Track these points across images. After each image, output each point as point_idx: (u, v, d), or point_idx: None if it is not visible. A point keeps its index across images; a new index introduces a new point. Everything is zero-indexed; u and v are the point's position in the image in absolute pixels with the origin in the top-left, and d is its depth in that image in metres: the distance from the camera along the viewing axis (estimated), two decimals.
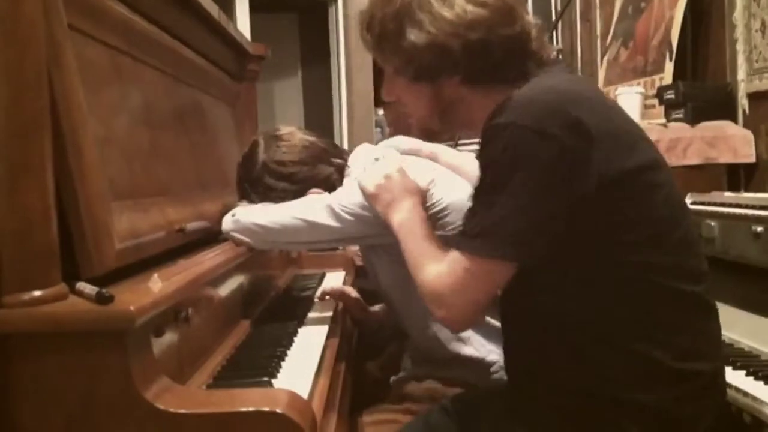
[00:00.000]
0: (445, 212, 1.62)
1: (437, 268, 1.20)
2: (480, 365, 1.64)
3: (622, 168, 1.11)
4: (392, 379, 1.79)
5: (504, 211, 1.10)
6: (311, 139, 1.84)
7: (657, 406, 1.12)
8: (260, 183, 1.78)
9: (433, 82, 1.23)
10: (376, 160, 1.67)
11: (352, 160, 1.84)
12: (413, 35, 1.17)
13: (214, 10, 1.80)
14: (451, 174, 1.75)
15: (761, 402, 1.37)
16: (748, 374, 1.48)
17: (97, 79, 1.20)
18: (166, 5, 1.54)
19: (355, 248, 3.98)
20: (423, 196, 1.45)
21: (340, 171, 1.81)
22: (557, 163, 1.08)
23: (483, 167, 1.15)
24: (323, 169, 1.80)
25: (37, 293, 0.95)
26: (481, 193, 1.15)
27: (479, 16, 1.16)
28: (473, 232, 1.14)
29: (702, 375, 1.15)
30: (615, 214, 1.12)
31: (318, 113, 5.27)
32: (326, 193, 1.75)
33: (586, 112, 1.10)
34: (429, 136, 1.35)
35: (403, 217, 1.36)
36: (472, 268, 1.14)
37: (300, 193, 1.74)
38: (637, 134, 1.20)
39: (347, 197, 1.62)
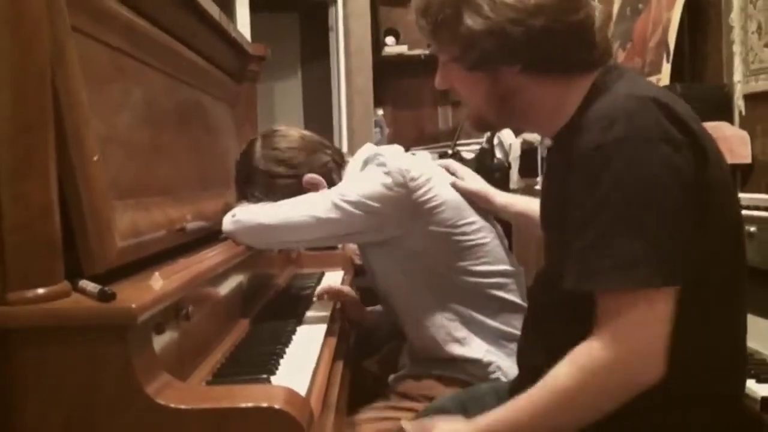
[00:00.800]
0: (442, 207, 1.64)
1: (584, 351, 1.03)
2: (477, 365, 1.66)
3: (715, 177, 1.07)
4: (391, 377, 1.81)
5: (661, 230, 0.99)
6: (307, 132, 1.87)
7: (656, 407, 1.10)
8: (257, 172, 1.79)
9: (491, 71, 1.17)
10: (382, 164, 1.69)
11: (354, 157, 1.86)
12: (472, 21, 1.12)
13: (215, 12, 1.81)
14: (446, 174, 1.77)
15: (753, 400, 1.39)
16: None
17: (99, 80, 1.21)
18: (168, 7, 1.55)
19: (353, 247, 4.01)
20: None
21: (337, 162, 1.84)
22: (689, 169, 1.02)
23: (604, 187, 1.01)
24: (320, 157, 1.83)
25: (40, 290, 0.96)
26: (611, 217, 1.01)
27: (543, 1, 1.11)
28: (624, 262, 0.99)
29: (703, 384, 1.12)
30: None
31: (318, 112, 5.28)
32: (323, 180, 1.79)
33: (687, 115, 1.06)
34: (483, 127, 1.32)
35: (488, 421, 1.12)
36: (645, 304, 1.00)
37: (297, 178, 1.77)
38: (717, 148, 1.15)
39: (347, 189, 1.64)
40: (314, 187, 1.79)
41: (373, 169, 1.67)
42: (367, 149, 1.83)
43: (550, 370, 1.05)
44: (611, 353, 1.00)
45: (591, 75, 1.17)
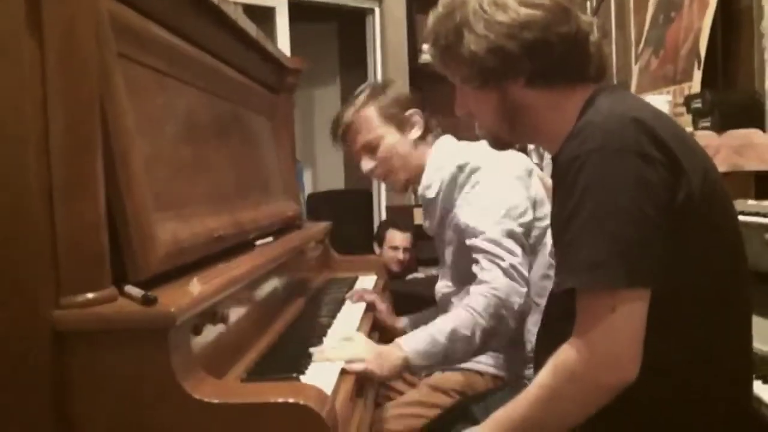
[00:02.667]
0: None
1: (561, 350, 1.10)
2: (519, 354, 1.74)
3: (696, 195, 1.11)
4: (423, 374, 1.88)
5: (626, 235, 1.05)
6: None
7: (678, 420, 1.16)
8: None
9: (498, 87, 1.25)
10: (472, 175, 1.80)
11: (440, 154, 1.95)
12: (472, 42, 1.22)
13: (252, 29, 1.90)
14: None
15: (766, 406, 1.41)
16: (758, 378, 1.51)
17: (143, 100, 1.30)
18: (207, 28, 1.64)
19: (391, 255, 4.08)
20: None
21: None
22: (662, 184, 1.08)
23: (578, 194, 1.08)
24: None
25: (90, 295, 1.05)
26: (582, 221, 1.08)
27: (532, 16, 1.19)
28: (589, 263, 1.05)
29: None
30: (681, 240, 1.11)
31: None
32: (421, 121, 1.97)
33: (667, 134, 1.11)
34: (500, 145, 1.40)
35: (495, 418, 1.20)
36: (612, 304, 1.05)
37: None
38: (707, 160, 1.20)
39: (488, 243, 1.71)
40: (411, 123, 1.96)
41: (488, 205, 1.75)
42: (451, 152, 1.93)
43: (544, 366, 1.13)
44: (580, 352, 1.07)
45: (588, 89, 1.24)
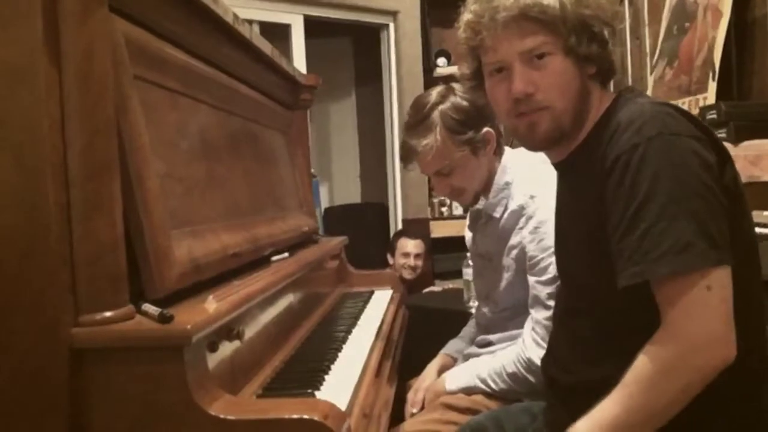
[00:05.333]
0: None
1: (657, 340, 1.07)
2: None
3: (735, 178, 1.15)
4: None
5: (705, 212, 1.06)
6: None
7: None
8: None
9: (581, 68, 1.23)
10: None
11: (509, 177, 1.87)
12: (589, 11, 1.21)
13: (267, 48, 1.93)
14: None
15: None
16: None
17: (159, 120, 1.32)
18: (223, 48, 1.67)
19: (402, 261, 4.07)
20: None
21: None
22: (715, 165, 1.10)
23: (646, 180, 1.07)
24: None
25: (108, 314, 1.07)
26: (659, 206, 1.06)
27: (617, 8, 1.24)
28: (679, 247, 1.04)
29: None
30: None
31: (371, 132, 5.39)
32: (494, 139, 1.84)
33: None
34: (559, 133, 1.26)
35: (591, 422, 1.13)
36: (706, 284, 1.04)
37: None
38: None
39: (541, 283, 1.72)
40: (485, 142, 1.83)
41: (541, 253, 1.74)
42: (525, 178, 1.83)
43: (633, 363, 1.08)
44: (679, 340, 1.05)
45: (609, 93, 1.26)
